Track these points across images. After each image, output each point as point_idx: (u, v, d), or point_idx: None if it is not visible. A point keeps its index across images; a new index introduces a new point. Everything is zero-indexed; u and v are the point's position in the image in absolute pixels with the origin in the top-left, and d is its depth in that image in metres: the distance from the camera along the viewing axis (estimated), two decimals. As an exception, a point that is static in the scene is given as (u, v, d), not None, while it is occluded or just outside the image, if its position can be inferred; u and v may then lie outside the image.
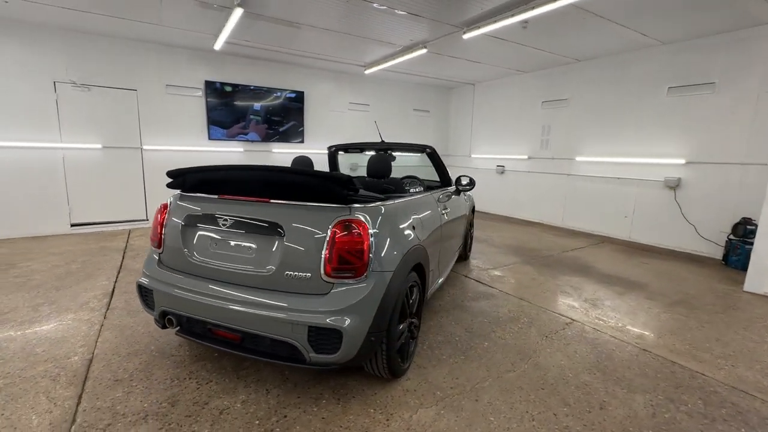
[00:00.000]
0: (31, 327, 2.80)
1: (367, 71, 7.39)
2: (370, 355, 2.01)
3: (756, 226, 4.64)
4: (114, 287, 3.63)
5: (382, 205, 2.14)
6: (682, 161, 5.45)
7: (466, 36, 4.97)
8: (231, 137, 6.93)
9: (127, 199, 6.23)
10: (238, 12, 4.38)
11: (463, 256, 4.66)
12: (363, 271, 1.89)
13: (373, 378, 2.26)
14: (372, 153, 3.67)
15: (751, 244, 4.17)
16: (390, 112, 8.76)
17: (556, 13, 4.26)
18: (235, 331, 1.95)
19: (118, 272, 4.05)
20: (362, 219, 1.92)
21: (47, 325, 2.84)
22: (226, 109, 6.78)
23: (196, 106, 6.57)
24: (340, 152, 4.32)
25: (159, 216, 2.33)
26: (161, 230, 2.30)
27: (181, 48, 6.25)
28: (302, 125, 7.60)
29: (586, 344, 2.77)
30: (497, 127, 8.51)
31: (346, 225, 1.89)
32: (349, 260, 1.86)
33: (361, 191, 2.22)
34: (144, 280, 2.23)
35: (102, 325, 2.86)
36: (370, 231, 1.92)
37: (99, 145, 5.88)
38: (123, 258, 4.56)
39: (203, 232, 2.17)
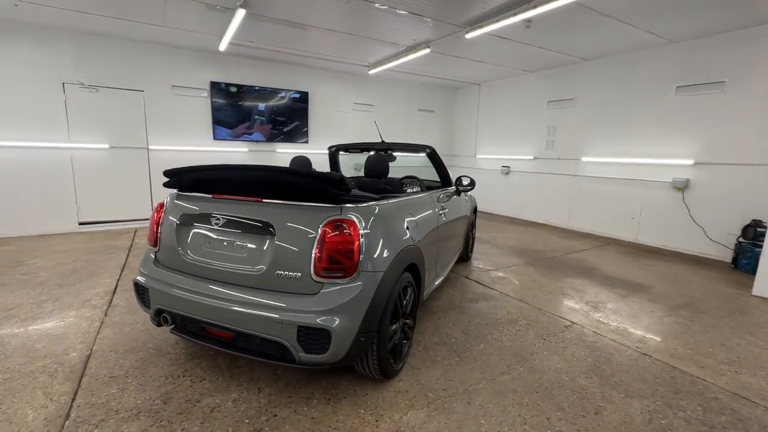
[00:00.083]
0: (34, 323, 2.85)
1: (372, 71, 7.39)
2: (360, 356, 2.01)
3: (766, 228, 4.53)
4: (116, 285, 3.68)
5: (375, 205, 2.13)
6: (691, 162, 5.33)
7: (468, 36, 4.94)
8: (236, 137, 6.99)
9: (133, 198, 6.32)
10: (240, 13, 4.42)
11: (465, 257, 4.63)
12: (353, 271, 1.88)
13: (366, 378, 2.25)
14: (372, 153, 3.66)
15: (761, 246, 4.06)
16: (395, 112, 8.75)
17: (559, 11, 4.20)
18: (227, 330, 1.96)
19: (122, 270, 4.11)
20: (353, 219, 1.91)
21: (49, 321, 2.89)
22: (231, 110, 6.85)
23: (202, 107, 6.64)
24: (340, 152, 4.33)
25: (155, 215, 2.36)
26: (157, 229, 2.32)
27: (186, 49, 6.33)
28: (307, 125, 7.63)
29: (585, 347, 2.73)
30: (502, 127, 8.44)
31: (337, 225, 1.88)
32: (339, 260, 1.86)
33: (354, 191, 2.21)
34: (140, 279, 2.25)
35: (102, 323, 2.90)
36: (361, 231, 1.91)
37: (106, 145, 5.98)
38: (127, 256, 4.63)
39: (197, 231, 2.18)
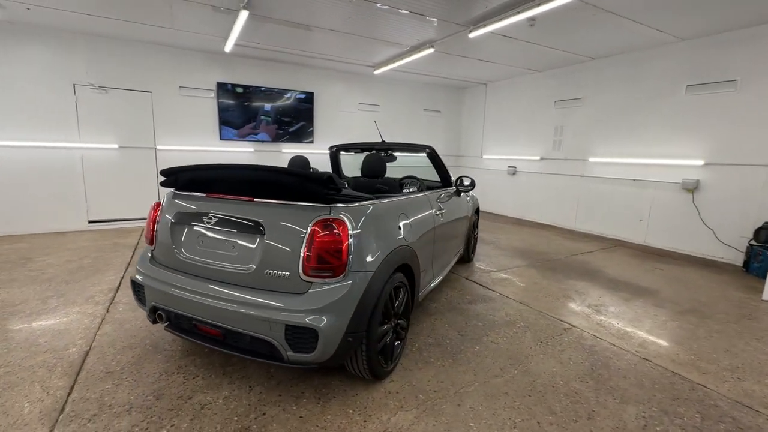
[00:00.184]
0: (38, 319, 2.92)
1: (376, 71, 7.40)
2: (348, 356, 2.01)
3: (778, 231, 4.38)
4: (120, 282, 3.75)
5: (367, 205, 2.13)
6: (701, 162, 5.20)
7: (472, 35, 4.90)
8: (242, 137, 7.06)
9: (141, 197, 6.43)
10: (244, 14, 4.46)
11: (466, 258, 4.59)
12: (342, 271, 1.88)
13: (357, 379, 2.25)
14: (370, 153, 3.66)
15: (772, 250, 3.94)
16: (400, 112, 8.73)
17: (562, 9, 4.14)
18: (217, 328, 1.98)
19: (126, 268, 4.19)
20: (343, 218, 1.91)
21: (53, 317, 2.96)
22: (238, 110, 6.92)
23: (208, 107, 6.73)
24: (341, 152, 4.34)
25: (152, 213, 2.40)
26: (153, 227, 2.36)
27: (193, 51, 6.42)
28: (312, 125, 7.67)
29: (583, 351, 2.68)
30: (509, 127, 8.35)
31: (326, 224, 1.88)
32: (328, 260, 1.86)
33: (346, 191, 2.21)
34: (137, 276, 2.29)
35: (103, 319, 2.96)
36: (350, 231, 1.91)
37: (115, 145, 6.10)
38: (133, 254, 4.72)
39: (191, 229, 2.21)
